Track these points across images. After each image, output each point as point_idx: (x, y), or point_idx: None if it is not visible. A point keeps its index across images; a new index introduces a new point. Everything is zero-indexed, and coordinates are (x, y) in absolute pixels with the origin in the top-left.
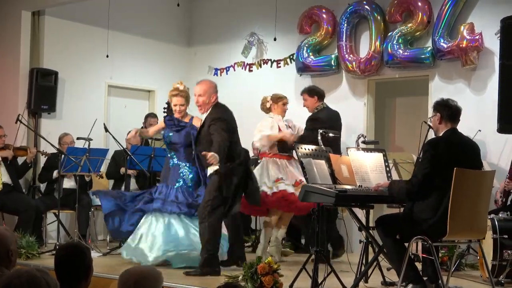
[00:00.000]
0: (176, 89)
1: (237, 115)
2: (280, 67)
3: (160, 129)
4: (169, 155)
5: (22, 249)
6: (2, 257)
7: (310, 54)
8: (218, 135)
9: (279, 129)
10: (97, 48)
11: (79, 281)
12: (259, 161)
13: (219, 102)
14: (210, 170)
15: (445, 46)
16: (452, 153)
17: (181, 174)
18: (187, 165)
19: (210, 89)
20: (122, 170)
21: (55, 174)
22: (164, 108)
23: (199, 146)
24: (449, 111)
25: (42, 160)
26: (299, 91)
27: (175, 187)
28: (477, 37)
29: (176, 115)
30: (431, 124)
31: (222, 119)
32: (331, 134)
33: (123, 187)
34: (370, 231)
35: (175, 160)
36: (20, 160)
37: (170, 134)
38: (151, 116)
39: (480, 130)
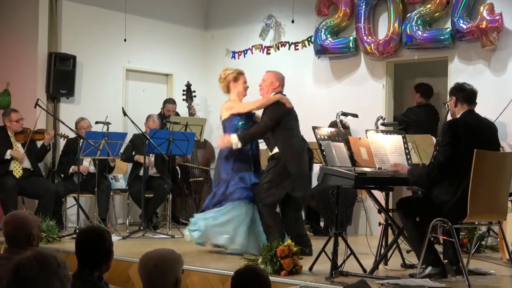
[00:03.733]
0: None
1: (256, 98)
2: (298, 49)
3: None
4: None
5: (42, 233)
6: (23, 240)
7: (328, 36)
8: (265, 117)
9: None
10: (114, 32)
11: (100, 265)
12: None
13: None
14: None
15: (464, 27)
16: (469, 134)
17: None
18: None
19: (272, 78)
20: (137, 158)
21: (71, 170)
22: (184, 91)
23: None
24: (463, 93)
25: (62, 143)
26: (317, 73)
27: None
28: (497, 17)
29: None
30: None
31: (272, 107)
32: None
33: (141, 172)
34: (390, 214)
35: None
36: (39, 144)
37: (241, 123)
38: (169, 102)
39: None
